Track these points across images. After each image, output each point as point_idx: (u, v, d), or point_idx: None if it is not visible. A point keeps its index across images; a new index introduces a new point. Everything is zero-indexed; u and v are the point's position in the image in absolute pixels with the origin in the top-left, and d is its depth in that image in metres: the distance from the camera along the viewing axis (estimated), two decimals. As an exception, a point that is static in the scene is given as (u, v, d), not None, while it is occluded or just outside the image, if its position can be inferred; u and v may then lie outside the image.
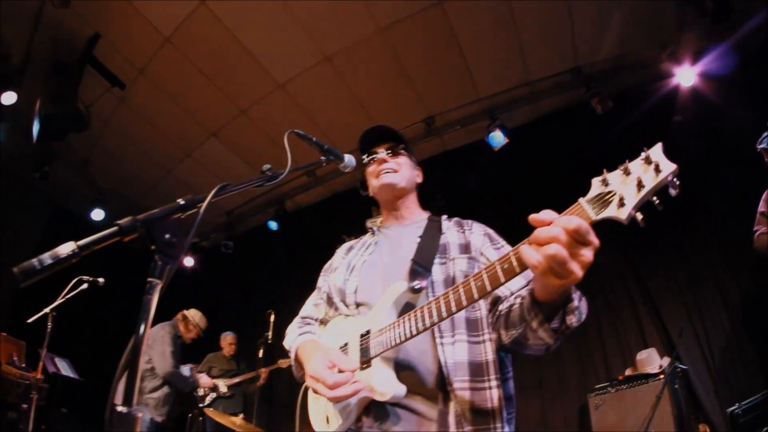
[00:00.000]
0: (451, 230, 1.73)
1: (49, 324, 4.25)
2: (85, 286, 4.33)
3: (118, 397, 0.84)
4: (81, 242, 0.92)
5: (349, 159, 1.74)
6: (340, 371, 1.41)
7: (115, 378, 0.87)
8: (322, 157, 1.72)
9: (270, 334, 5.19)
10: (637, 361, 4.33)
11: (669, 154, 0.94)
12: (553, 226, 0.98)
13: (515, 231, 1.32)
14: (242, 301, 7.73)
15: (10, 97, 5.77)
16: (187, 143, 6.93)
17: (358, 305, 1.66)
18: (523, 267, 1.07)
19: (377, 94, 5.96)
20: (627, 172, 0.98)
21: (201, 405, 5.58)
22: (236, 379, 5.99)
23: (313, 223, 7.57)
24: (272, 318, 5.20)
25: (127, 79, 5.87)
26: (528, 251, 1.01)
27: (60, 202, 8.46)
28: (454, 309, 1.25)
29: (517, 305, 1.31)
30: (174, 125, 6.63)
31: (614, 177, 0.99)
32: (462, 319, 1.48)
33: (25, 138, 6.34)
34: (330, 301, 1.78)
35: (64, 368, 6.72)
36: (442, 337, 1.46)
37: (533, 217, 1.03)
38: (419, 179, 1.95)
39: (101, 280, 4.38)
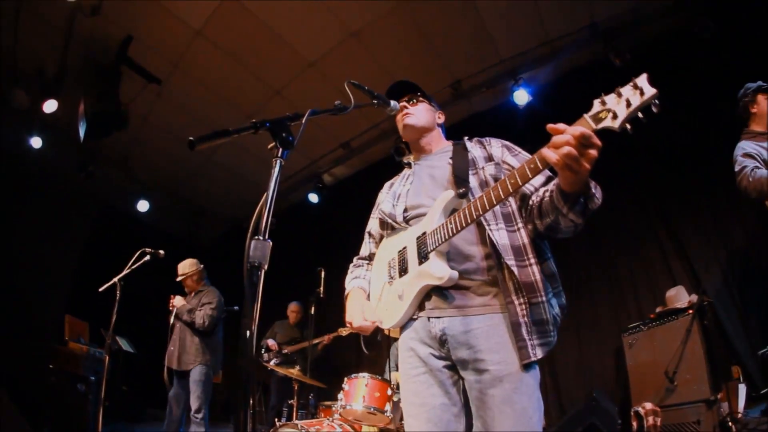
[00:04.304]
0: (474, 147, 2.05)
1: (118, 293, 4.34)
2: (147, 257, 4.52)
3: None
4: (231, 128, 1.47)
5: (394, 104, 2.03)
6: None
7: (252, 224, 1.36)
8: (373, 101, 1.98)
9: (321, 289, 5.38)
10: (667, 298, 4.47)
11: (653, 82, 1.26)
12: (565, 134, 1.32)
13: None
14: (292, 269, 8.07)
15: (51, 106, 6.29)
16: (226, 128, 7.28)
17: (408, 221, 2.00)
18: (545, 165, 1.41)
19: (403, 64, 6.14)
20: (619, 95, 1.29)
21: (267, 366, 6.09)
22: (297, 346, 6.55)
23: (351, 194, 7.89)
24: (323, 274, 5.37)
25: (162, 75, 6.29)
26: (548, 152, 1.36)
27: (105, 200, 9.07)
28: (494, 201, 1.57)
29: (547, 198, 1.62)
30: (211, 113, 7.01)
31: (610, 98, 1.31)
32: (499, 213, 1.80)
33: (67, 143, 6.95)
34: (384, 225, 2.15)
35: (125, 345, 7.22)
36: (488, 225, 1.75)
37: (550, 126, 1.36)
38: (441, 120, 2.28)
39: (162, 252, 4.56)
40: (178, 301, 5.26)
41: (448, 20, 5.58)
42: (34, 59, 6.19)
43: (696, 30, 4.89)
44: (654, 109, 1.25)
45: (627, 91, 1.27)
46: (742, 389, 3.80)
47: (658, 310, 4.47)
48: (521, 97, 5.91)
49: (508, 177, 1.53)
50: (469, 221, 1.64)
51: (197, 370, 5.04)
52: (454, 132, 2.28)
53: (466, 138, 2.15)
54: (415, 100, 2.19)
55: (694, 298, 4.27)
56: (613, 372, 4.93)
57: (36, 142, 7.11)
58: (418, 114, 2.16)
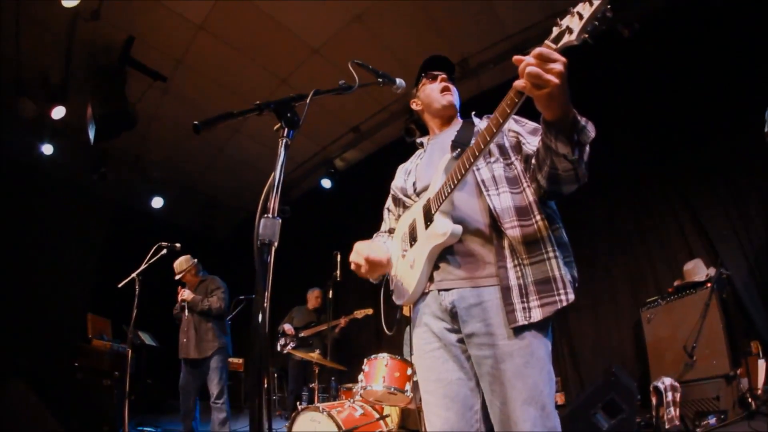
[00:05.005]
0: (482, 122, 2.02)
1: (137, 288, 4.50)
2: (164, 252, 4.66)
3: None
4: (236, 111, 1.51)
5: (400, 82, 2.02)
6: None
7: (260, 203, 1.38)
8: (378, 80, 1.98)
9: (338, 273, 5.37)
10: (685, 272, 4.41)
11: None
12: (526, 58, 1.35)
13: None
14: (309, 255, 8.12)
15: (59, 112, 6.35)
16: (234, 121, 7.28)
17: (419, 194, 2.00)
18: (519, 95, 1.42)
19: (409, 45, 6.05)
20: (572, 14, 1.33)
21: (282, 351, 6.09)
22: (313, 329, 6.63)
23: (363, 177, 7.89)
24: (339, 258, 5.37)
25: (167, 72, 6.29)
26: (517, 81, 1.37)
27: (120, 200, 9.16)
28: (482, 145, 1.58)
29: (540, 144, 1.60)
30: (219, 105, 6.92)
31: (565, 19, 1.35)
32: (503, 177, 1.78)
33: (78, 147, 7.00)
34: (397, 202, 2.16)
35: (147, 339, 7.37)
36: (488, 191, 1.75)
37: (515, 57, 1.38)
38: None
39: (178, 245, 4.70)
40: (187, 294, 5.31)
41: (451, -3, 5.48)
42: (38, 67, 6.21)
43: None
44: (608, 14, 1.28)
45: (578, 6, 1.32)
46: (762, 364, 3.77)
47: (676, 283, 4.42)
48: (530, 71, 5.81)
49: (490, 120, 1.53)
50: (464, 171, 1.64)
51: (216, 357, 5.12)
52: (463, 110, 2.26)
53: (473, 113, 2.13)
54: (452, 80, 2.20)
55: (712, 271, 4.21)
56: (631, 347, 4.91)
57: (47, 149, 7.17)
58: (456, 94, 2.17)
